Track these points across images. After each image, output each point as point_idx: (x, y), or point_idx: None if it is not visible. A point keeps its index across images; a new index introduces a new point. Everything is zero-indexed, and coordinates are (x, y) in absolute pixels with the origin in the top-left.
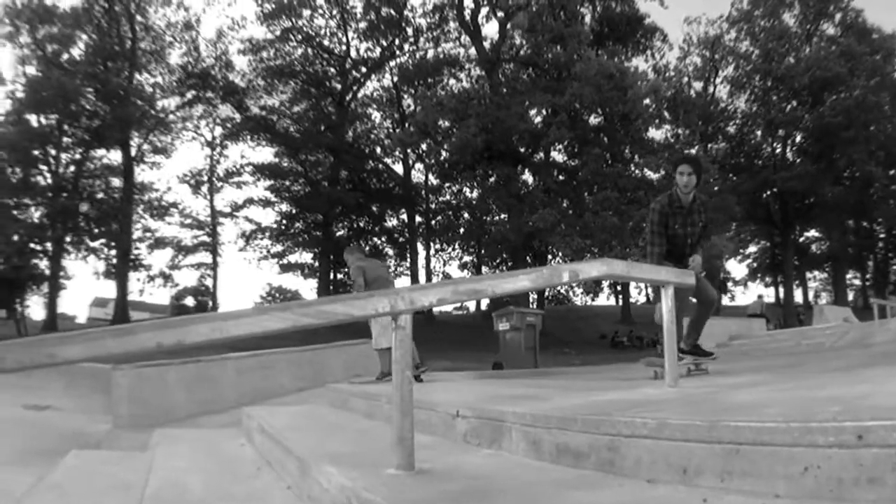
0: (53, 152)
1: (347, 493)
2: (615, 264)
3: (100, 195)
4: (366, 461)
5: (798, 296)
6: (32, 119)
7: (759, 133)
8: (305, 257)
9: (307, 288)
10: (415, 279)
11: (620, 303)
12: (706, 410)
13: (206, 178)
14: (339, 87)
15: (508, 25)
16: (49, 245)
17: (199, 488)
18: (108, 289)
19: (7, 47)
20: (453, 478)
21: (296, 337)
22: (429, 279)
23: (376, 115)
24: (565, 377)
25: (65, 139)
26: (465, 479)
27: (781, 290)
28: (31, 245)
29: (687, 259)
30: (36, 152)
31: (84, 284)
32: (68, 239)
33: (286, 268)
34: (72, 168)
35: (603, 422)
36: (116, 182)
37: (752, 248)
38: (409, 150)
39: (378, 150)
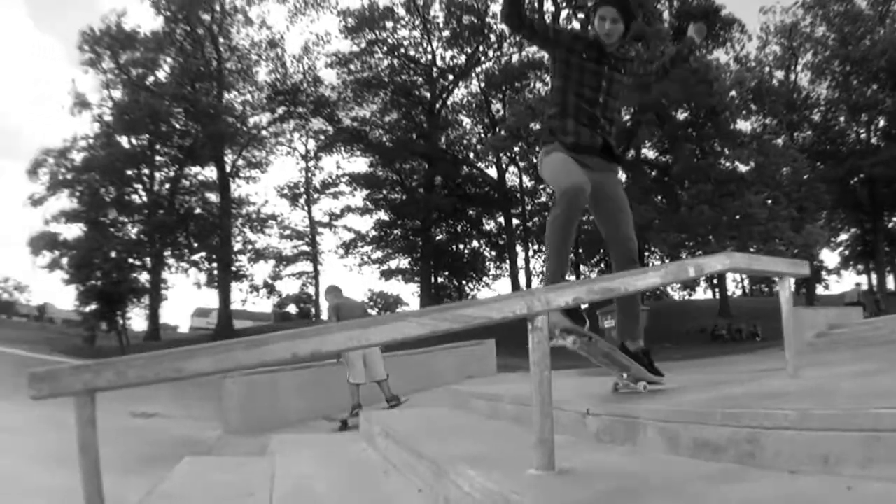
0: (147, 171)
1: (494, 497)
2: (736, 257)
3: (197, 210)
4: (502, 462)
5: (890, 282)
6: (123, 140)
7: (842, 119)
8: (405, 263)
9: (408, 293)
10: (515, 281)
11: (717, 296)
12: (842, 399)
13: (302, 190)
14: (428, 95)
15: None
16: (148, 260)
17: (327, 494)
18: (209, 298)
19: (90, 73)
20: (599, 477)
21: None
22: (528, 281)
23: (467, 121)
24: (672, 372)
25: (157, 158)
26: (612, 477)
27: (874, 277)
28: (130, 260)
29: (595, 130)
30: (129, 172)
31: (185, 295)
32: (167, 253)
33: (387, 274)
34: (167, 185)
35: (743, 414)
36: (213, 197)
37: (843, 236)
38: (501, 154)
39: (471, 155)
